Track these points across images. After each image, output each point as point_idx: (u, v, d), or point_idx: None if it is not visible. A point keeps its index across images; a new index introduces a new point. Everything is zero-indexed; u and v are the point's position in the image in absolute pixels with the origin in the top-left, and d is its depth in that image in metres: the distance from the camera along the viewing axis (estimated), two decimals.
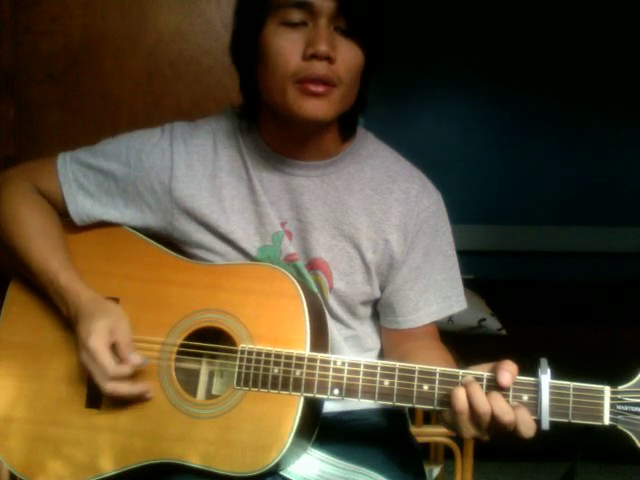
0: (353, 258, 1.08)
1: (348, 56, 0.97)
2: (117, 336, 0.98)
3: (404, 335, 1.11)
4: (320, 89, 0.96)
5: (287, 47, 0.95)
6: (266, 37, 0.97)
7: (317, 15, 0.94)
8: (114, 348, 0.98)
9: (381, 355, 1.16)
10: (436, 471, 1.76)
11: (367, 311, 1.14)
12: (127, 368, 0.97)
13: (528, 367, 0.89)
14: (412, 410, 1.50)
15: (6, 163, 1.76)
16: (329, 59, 0.95)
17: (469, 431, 0.88)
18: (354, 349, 1.13)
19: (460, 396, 0.87)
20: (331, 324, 1.07)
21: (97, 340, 0.97)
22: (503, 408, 0.85)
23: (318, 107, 0.97)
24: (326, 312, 1.07)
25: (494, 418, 0.86)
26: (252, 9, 0.97)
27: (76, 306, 1.01)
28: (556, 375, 0.88)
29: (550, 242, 3.68)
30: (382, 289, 1.11)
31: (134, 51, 1.77)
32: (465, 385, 0.88)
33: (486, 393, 0.87)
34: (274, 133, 1.07)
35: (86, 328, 0.99)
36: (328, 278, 1.08)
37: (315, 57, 0.94)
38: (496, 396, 0.86)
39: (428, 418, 1.65)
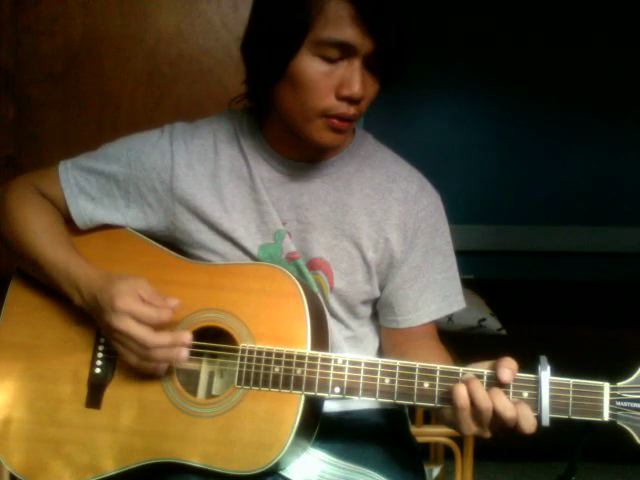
0: (354, 257, 1.08)
1: (371, 91, 0.98)
2: (141, 291, 0.97)
3: (403, 334, 1.11)
4: (345, 126, 0.98)
5: (321, 82, 0.95)
6: (299, 64, 0.95)
7: (354, 54, 0.94)
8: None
9: (380, 355, 1.16)
10: (436, 471, 1.75)
11: (367, 311, 1.14)
12: (167, 313, 0.96)
13: (528, 367, 0.89)
14: (412, 410, 1.50)
15: (6, 163, 1.77)
16: (359, 100, 0.96)
17: (470, 428, 0.88)
18: (354, 349, 1.13)
19: (461, 393, 0.87)
20: (331, 324, 1.08)
21: (124, 300, 0.95)
22: (505, 404, 0.86)
23: (337, 139, 1.00)
24: (326, 311, 1.07)
25: (496, 414, 0.86)
26: (287, 33, 0.93)
27: (89, 287, 1.00)
28: (556, 375, 0.88)
29: (550, 242, 3.68)
30: (381, 288, 1.12)
31: (134, 51, 1.77)
32: (466, 382, 0.88)
33: (487, 390, 0.87)
34: (278, 136, 1.07)
35: (108, 296, 0.97)
36: (329, 278, 1.08)
37: (348, 99, 0.95)
38: (497, 392, 0.87)
39: (428, 418, 1.64)
